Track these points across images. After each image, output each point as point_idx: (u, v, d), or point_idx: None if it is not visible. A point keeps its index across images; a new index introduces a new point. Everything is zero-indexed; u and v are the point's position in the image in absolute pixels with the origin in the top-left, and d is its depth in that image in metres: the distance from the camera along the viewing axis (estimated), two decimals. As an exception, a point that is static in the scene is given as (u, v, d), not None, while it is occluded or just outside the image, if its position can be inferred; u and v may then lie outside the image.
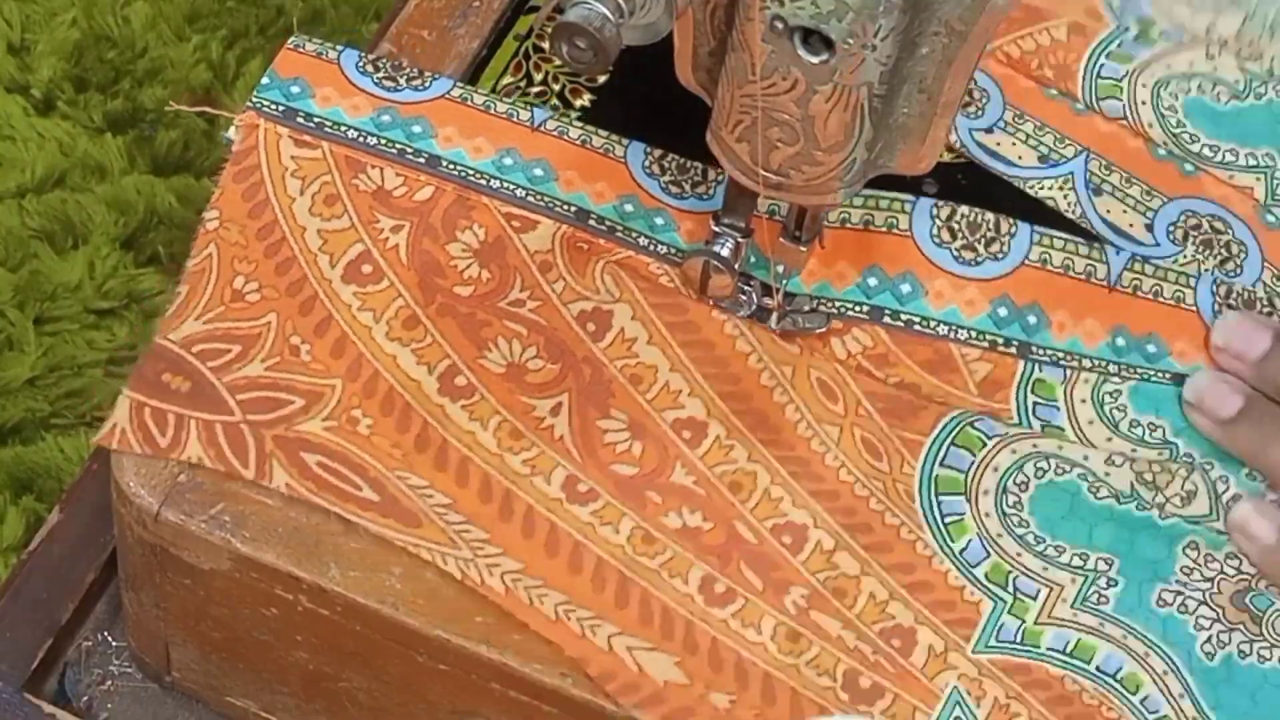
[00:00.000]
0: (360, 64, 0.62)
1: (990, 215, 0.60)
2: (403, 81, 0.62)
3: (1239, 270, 0.61)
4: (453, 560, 0.54)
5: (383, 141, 0.61)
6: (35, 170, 0.98)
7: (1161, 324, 0.59)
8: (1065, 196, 0.62)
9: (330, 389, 0.56)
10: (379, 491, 0.55)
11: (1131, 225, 0.62)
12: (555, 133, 0.61)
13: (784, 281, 0.59)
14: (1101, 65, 0.65)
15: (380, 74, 0.62)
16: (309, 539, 0.55)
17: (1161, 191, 0.63)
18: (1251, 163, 0.63)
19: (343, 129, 0.61)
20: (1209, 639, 0.55)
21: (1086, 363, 0.59)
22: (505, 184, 0.60)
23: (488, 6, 0.66)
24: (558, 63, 0.65)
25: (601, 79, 0.64)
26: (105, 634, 0.62)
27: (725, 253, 0.57)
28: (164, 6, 1.05)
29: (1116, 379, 0.59)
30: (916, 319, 0.59)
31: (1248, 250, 0.62)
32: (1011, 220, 0.60)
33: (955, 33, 0.49)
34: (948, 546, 0.55)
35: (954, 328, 0.59)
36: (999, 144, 0.63)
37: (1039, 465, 0.57)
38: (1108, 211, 0.62)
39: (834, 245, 0.60)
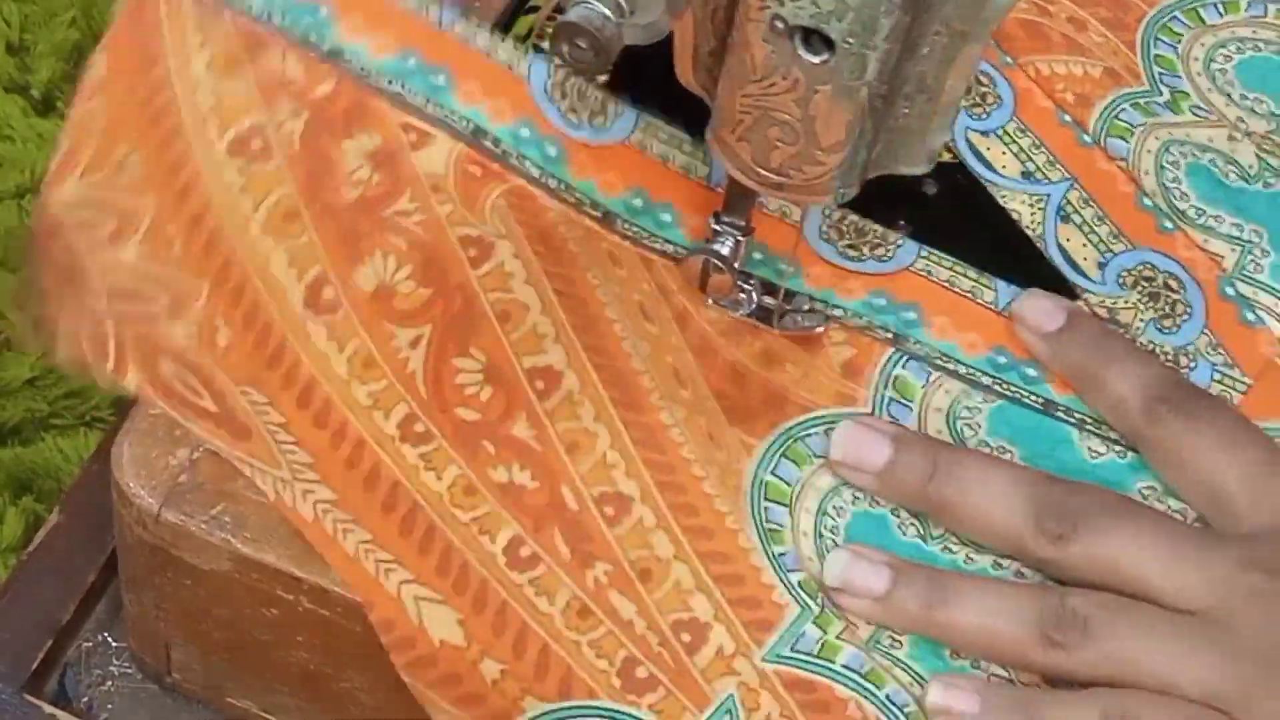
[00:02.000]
0: None
1: (879, 227, 0.60)
2: None
3: (1175, 329, 0.60)
4: (270, 478, 0.54)
5: (286, 20, 0.58)
6: (35, 170, 0.98)
7: (926, 297, 0.59)
8: (1031, 214, 0.62)
9: (197, 293, 0.55)
10: (219, 403, 0.54)
11: (1085, 260, 0.61)
12: (461, 39, 0.59)
13: (787, 281, 0.59)
14: (1122, 109, 0.65)
15: None
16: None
17: (1129, 238, 0.62)
18: (1234, 233, 0.62)
19: (246, 4, 0.58)
20: None
21: (961, 369, 0.58)
22: (405, 87, 0.58)
23: (487, 6, 0.66)
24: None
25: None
26: (105, 634, 0.62)
27: (725, 251, 0.57)
28: (164, 6, 1.05)
29: (980, 395, 0.58)
30: (795, 293, 0.59)
31: (1191, 314, 0.60)
32: (900, 237, 0.60)
33: (956, 33, 0.49)
34: (767, 545, 0.55)
35: (830, 305, 0.59)
36: (989, 148, 0.63)
37: (856, 493, 0.56)
38: (1067, 240, 0.61)
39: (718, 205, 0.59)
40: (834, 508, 0.56)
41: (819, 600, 0.54)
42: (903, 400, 0.58)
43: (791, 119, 0.50)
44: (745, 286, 0.59)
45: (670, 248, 0.59)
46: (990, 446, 0.57)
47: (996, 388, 0.58)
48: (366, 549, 0.53)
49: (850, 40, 0.48)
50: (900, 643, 0.54)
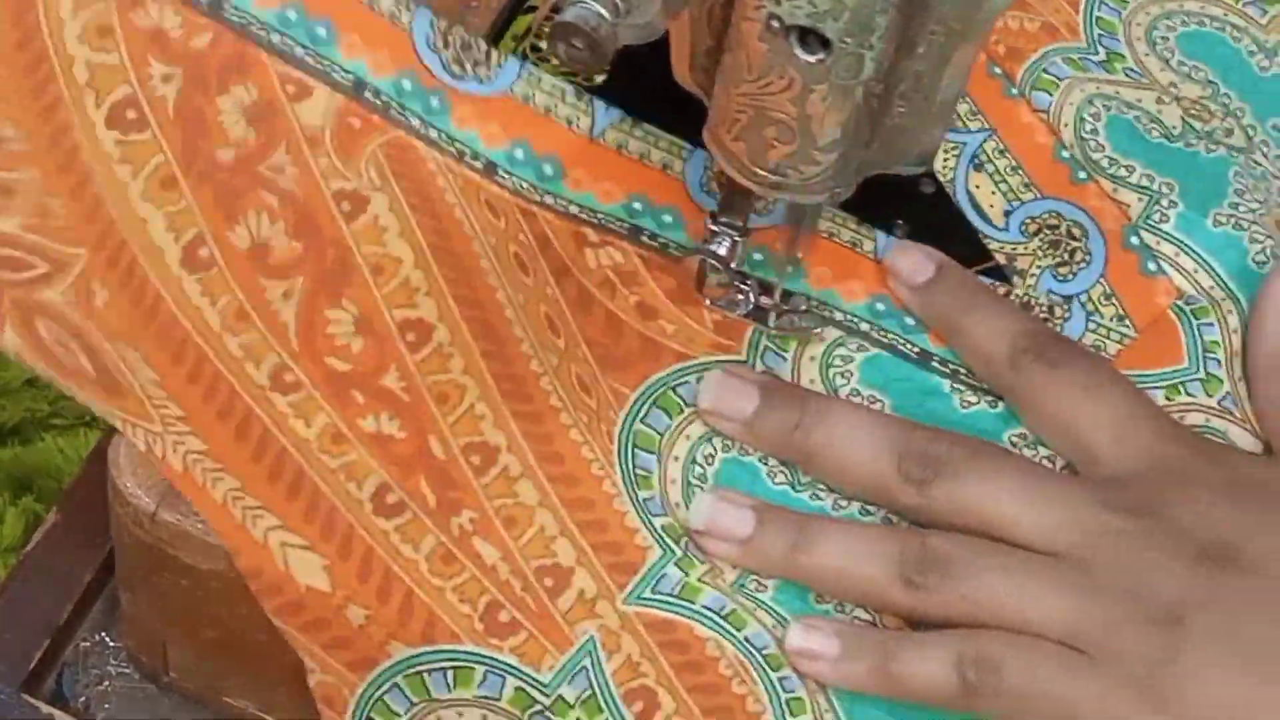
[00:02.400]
0: None
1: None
2: None
3: (1071, 276, 0.60)
4: (142, 432, 0.54)
5: None
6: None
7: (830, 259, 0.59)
8: (944, 161, 0.62)
9: (76, 258, 0.55)
10: (94, 361, 0.55)
11: (991, 207, 0.62)
12: None
13: (784, 281, 0.59)
14: (1054, 63, 0.65)
15: None
16: (306, 539, 0.55)
17: (1040, 188, 0.62)
18: (1144, 184, 0.62)
19: None
20: None
21: (838, 315, 0.59)
22: (286, 40, 0.57)
23: (486, 6, 0.66)
24: (555, 62, 0.64)
25: (599, 78, 0.64)
26: (103, 634, 0.62)
27: (722, 251, 0.57)
28: (164, 6, 1.05)
29: (854, 343, 0.59)
30: (672, 244, 0.59)
31: (1090, 262, 0.61)
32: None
33: (953, 32, 0.49)
34: (633, 491, 0.55)
35: (708, 254, 0.58)
36: None
37: (726, 441, 0.57)
38: (976, 187, 0.62)
39: (605, 164, 0.60)
40: (703, 456, 0.56)
41: (682, 544, 0.55)
42: (778, 351, 0.58)
43: (788, 118, 0.50)
44: (742, 287, 0.59)
45: (551, 200, 0.59)
46: (862, 395, 0.58)
47: (874, 334, 0.59)
48: (234, 496, 0.54)
49: (847, 40, 0.48)
50: (765, 586, 0.54)
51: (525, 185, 0.59)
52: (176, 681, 0.62)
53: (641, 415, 0.56)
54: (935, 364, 0.59)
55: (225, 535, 0.54)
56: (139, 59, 0.56)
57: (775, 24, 0.48)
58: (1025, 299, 0.60)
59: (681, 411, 0.57)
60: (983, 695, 0.52)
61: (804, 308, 0.59)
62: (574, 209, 0.59)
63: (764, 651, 0.53)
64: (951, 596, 0.53)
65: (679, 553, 0.55)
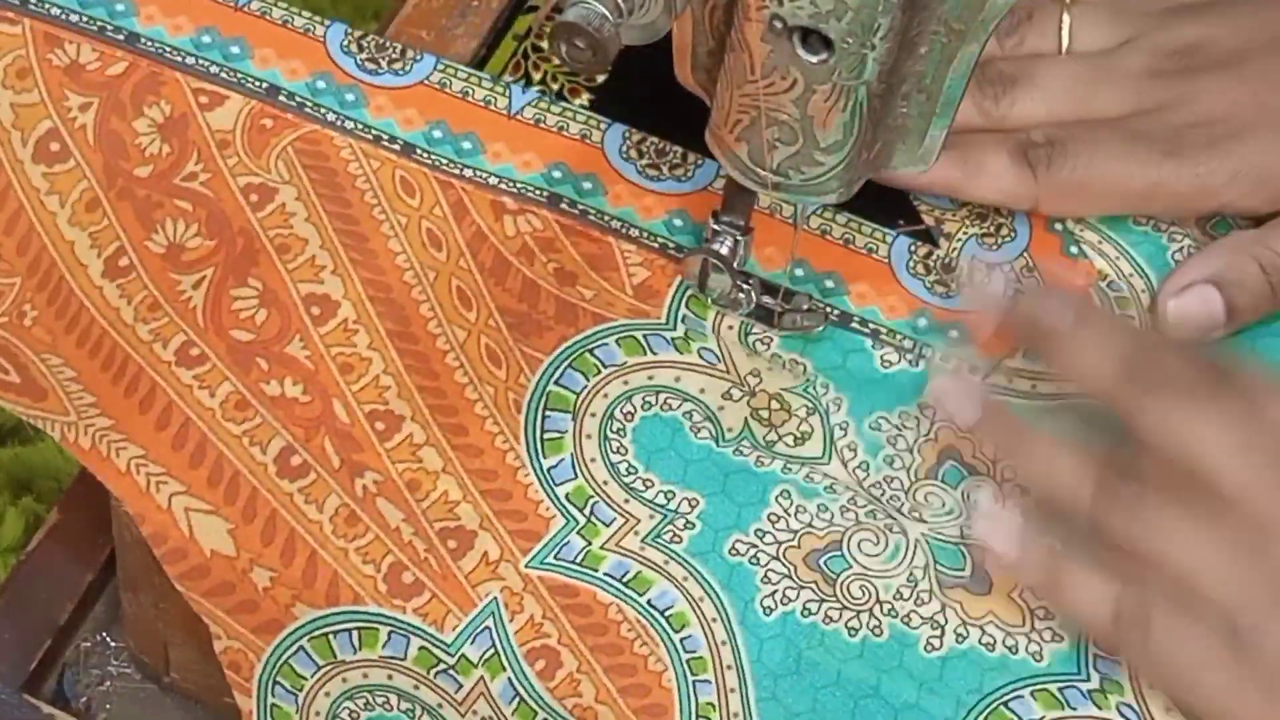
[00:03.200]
0: None
1: (679, 148, 0.61)
2: None
3: (997, 247, 0.61)
4: (58, 425, 0.56)
5: (85, 19, 0.61)
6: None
7: (845, 265, 0.59)
8: None
9: (10, 287, 0.58)
10: (22, 374, 0.57)
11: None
12: (258, 12, 0.62)
13: (786, 278, 0.59)
14: None
15: None
16: (307, 539, 0.55)
17: None
18: None
19: (45, 6, 0.61)
20: (773, 594, 0.54)
21: (755, 281, 0.59)
22: (200, 60, 0.60)
23: (486, 6, 0.66)
24: (556, 62, 0.64)
25: (600, 78, 0.64)
26: (104, 634, 0.62)
27: (724, 251, 0.57)
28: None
29: (769, 326, 0.59)
30: (591, 211, 0.60)
31: (1015, 238, 0.61)
32: (700, 158, 0.61)
33: (954, 32, 0.49)
34: (538, 462, 0.55)
35: (627, 225, 0.59)
36: None
37: (647, 399, 0.57)
38: None
39: (524, 138, 0.61)
40: (622, 413, 0.56)
41: (586, 510, 0.55)
42: (697, 315, 0.58)
43: (790, 119, 0.50)
44: (744, 286, 0.59)
45: (470, 173, 0.60)
46: (783, 358, 0.58)
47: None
48: (139, 463, 0.55)
49: (849, 40, 0.47)
50: (680, 538, 0.55)
51: (444, 161, 0.60)
52: (177, 682, 0.62)
53: (556, 377, 0.57)
54: (855, 324, 0.59)
55: (130, 501, 0.55)
56: (57, 94, 0.59)
57: (778, 24, 0.48)
58: (947, 260, 0.60)
59: (599, 373, 0.57)
60: (1126, 646, 0.52)
61: (806, 306, 0.59)
62: (493, 180, 0.60)
63: (667, 613, 0.54)
64: (1135, 525, 0.52)
65: (582, 521, 0.55)
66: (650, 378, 0.57)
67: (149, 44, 0.60)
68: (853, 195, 0.53)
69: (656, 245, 0.59)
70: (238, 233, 0.58)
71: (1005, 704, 0.53)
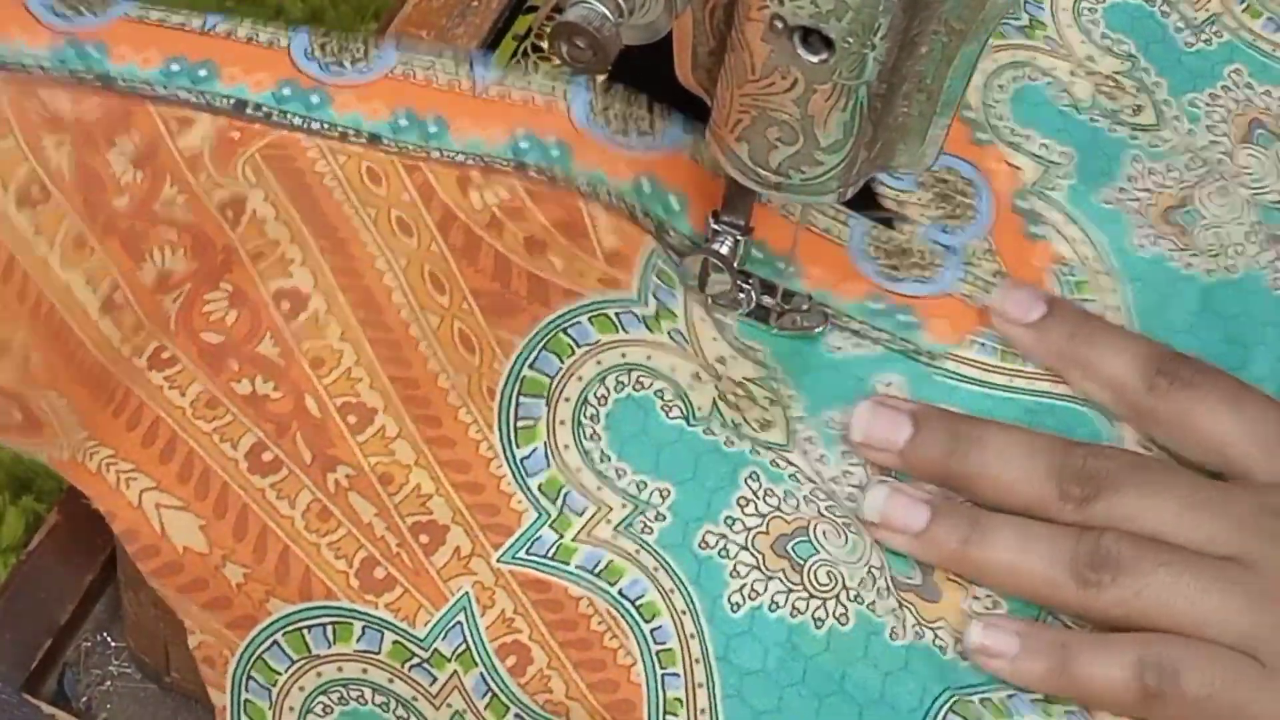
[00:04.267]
0: None
1: (645, 110, 0.61)
2: (83, 9, 0.62)
3: (960, 229, 0.61)
4: (46, 450, 0.57)
5: (57, 66, 0.61)
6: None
7: (803, 248, 0.60)
8: None
9: (14, 337, 0.58)
10: (25, 415, 0.58)
11: None
12: (224, 34, 0.62)
13: (787, 278, 0.59)
14: None
15: (64, 4, 0.62)
16: (308, 539, 0.55)
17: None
18: (1040, 152, 0.63)
19: (20, 60, 0.61)
20: (741, 588, 0.54)
21: (754, 281, 0.59)
22: (169, 89, 0.60)
23: (486, 6, 0.66)
24: (557, 62, 0.64)
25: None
26: (105, 634, 0.62)
27: (724, 250, 0.57)
28: (163, 6, 1.05)
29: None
30: (559, 175, 0.60)
31: (977, 219, 0.61)
32: (668, 111, 0.61)
33: (955, 31, 0.49)
34: (510, 452, 0.55)
35: (595, 187, 0.59)
36: None
37: (620, 379, 0.57)
38: None
39: (490, 112, 0.61)
40: (596, 396, 0.56)
41: (559, 502, 0.55)
42: (667, 287, 0.58)
43: (790, 119, 0.50)
44: (744, 286, 0.59)
45: (437, 153, 0.60)
46: (743, 343, 0.58)
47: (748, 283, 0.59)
48: (108, 462, 0.55)
49: (849, 40, 0.48)
50: (652, 529, 0.55)
51: (411, 146, 0.60)
52: (178, 682, 0.62)
53: (530, 361, 0.56)
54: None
55: (102, 500, 0.55)
56: (32, 139, 0.59)
57: (778, 24, 0.48)
58: (905, 245, 0.60)
59: (572, 353, 0.57)
60: (1162, 701, 0.51)
61: (805, 307, 0.59)
62: (460, 157, 0.60)
63: (638, 602, 0.54)
64: (1124, 595, 0.52)
65: (555, 513, 0.55)
66: (623, 355, 0.57)
67: (123, 83, 0.61)
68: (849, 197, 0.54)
69: (625, 209, 0.59)
70: (219, 250, 0.58)
71: (969, 698, 0.53)
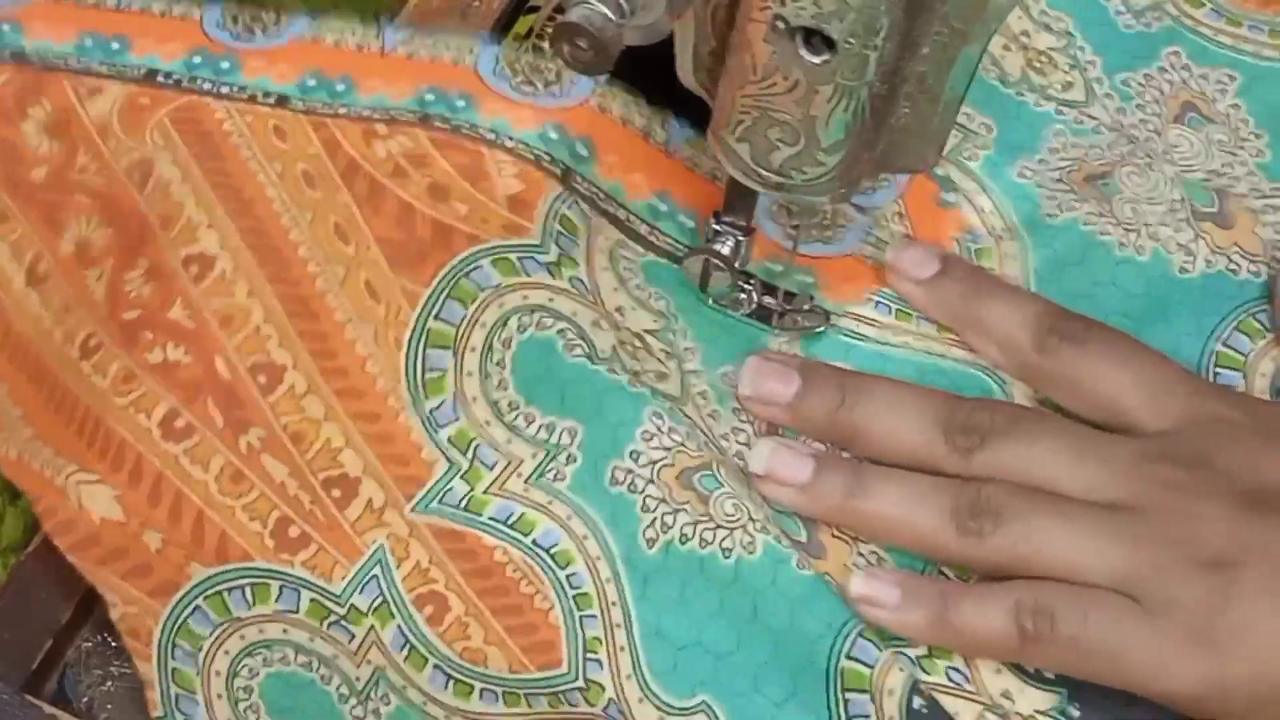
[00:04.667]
0: None
1: (556, 62, 0.61)
2: None
3: (872, 190, 0.61)
4: None
5: None
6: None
7: (708, 204, 0.60)
8: None
9: None
10: None
11: None
12: (139, 9, 0.63)
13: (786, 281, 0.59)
14: None
15: None
16: (308, 539, 0.55)
17: None
18: (962, 120, 0.63)
19: None
20: (653, 522, 0.54)
21: (621, 212, 0.60)
22: (83, 63, 0.61)
23: (487, 7, 0.66)
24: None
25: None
26: (105, 634, 0.62)
27: (726, 251, 0.57)
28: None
29: (639, 246, 0.59)
30: (464, 125, 0.60)
31: (890, 183, 0.61)
32: (575, 73, 0.60)
33: (956, 32, 0.49)
34: (420, 403, 0.56)
35: (500, 136, 0.60)
36: None
37: (523, 320, 0.57)
38: None
39: (398, 70, 0.61)
40: (500, 341, 0.56)
41: (469, 454, 0.55)
42: (570, 235, 0.59)
43: (792, 119, 0.50)
44: (745, 286, 0.59)
45: (344, 110, 0.60)
46: (647, 291, 0.58)
47: (652, 238, 0.60)
48: (33, 448, 0.56)
49: (851, 40, 0.48)
50: (565, 475, 0.55)
51: (319, 105, 0.61)
52: (179, 682, 0.62)
53: (436, 311, 0.57)
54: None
55: (22, 482, 0.57)
56: None
57: (780, 25, 0.48)
58: (811, 207, 0.60)
59: (476, 299, 0.57)
60: (1040, 644, 0.52)
61: (807, 307, 0.59)
62: (366, 113, 0.60)
63: (552, 550, 0.54)
64: (1004, 543, 0.53)
65: (465, 466, 0.55)
66: (525, 297, 0.57)
67: (35, 59, 0.62)
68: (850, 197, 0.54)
69: (531, 157, 0.59)
70: (129, 215, 0.58)
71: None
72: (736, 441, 0.57)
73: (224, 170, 0.59)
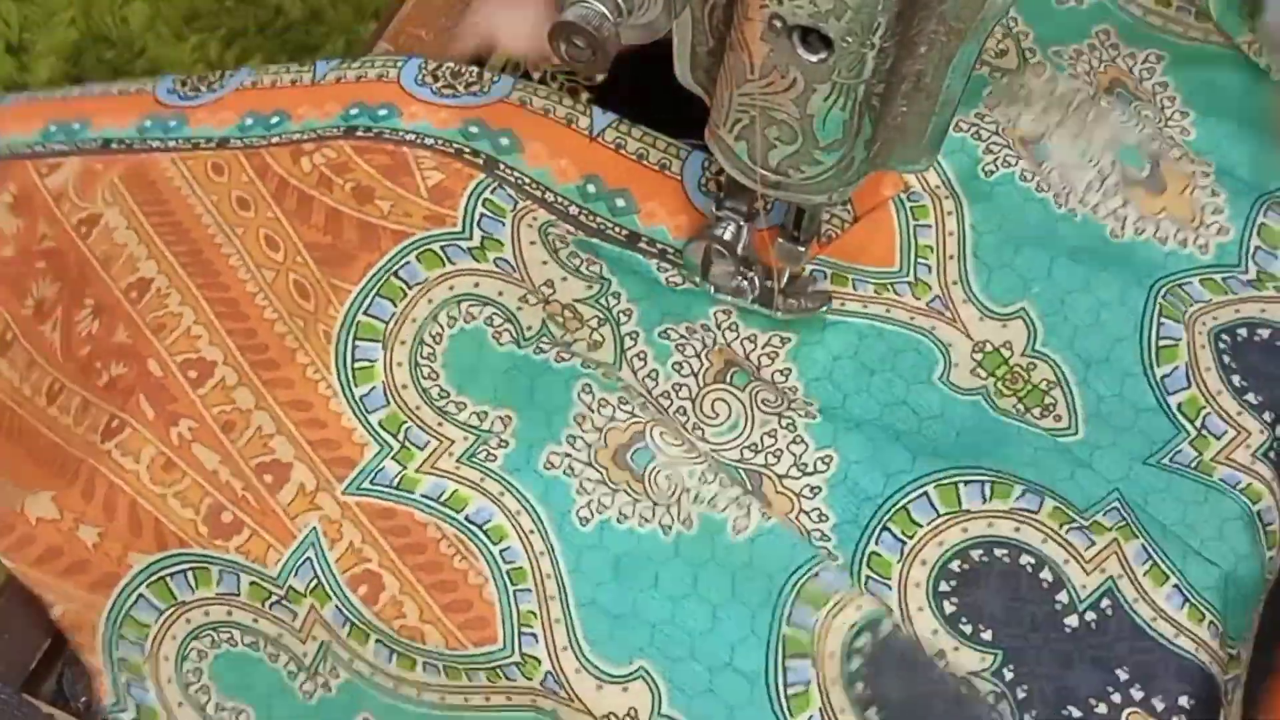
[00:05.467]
0: None
1: (475, 68, 0.62)
2: None
3: None
4: None
5: None
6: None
7: (637, 183, 0.60)
8: None
9: None
10: None
11: None
12: (98, 94, 0.65)
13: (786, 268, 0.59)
14: None
15: None
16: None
17: None
18: None
19: None
20: (588, 504, 0.55)
21: (549, 196, 0.60)
22: (46, 145, 0.64)
23: (486, 5, 0.66)
24: (556, 62, 0.64)
25: (600, 78, 0.64)
26: (104, 634, 0.62)
27: (727, 237, 0.57)
28: (163, 6, 1.05)
29: (566, 226, 0.60)
30: (386, 130, 0.61)
31: None
32: (496, 73, 0.62)
33: (953, 31, 0.49)
34: (349, 390, 0.57)
35: (421, 136, 0.61)
36: None
37: (451, 314, 0.58)
38: None
39: (326, 95, 0.63)
40: (430, 335, 0.57)
41: (400, 436, 0.56)
42: (495, 218, 0.59)
43: (789, 118, 0.50)
44: (747, 273, 0.59)
45: (278, 138, 0.62)
46: (581, 257, 0.60)
47: (583, 219, 0.60)
48: None
49: (848, 39, 0.48)
50: (495, 456, 0.56)
51: (255, 139, 0.62)
52: (178, 681, 0.62)
53: (365, 307, 0.58)
54: (643, 244, 0.60)
55: None
56: None
57: (777, 24, 0.48)
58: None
59: (404, 295, 0.58)
60: None
61: (809, 289, 0.59)
62: (296, 136, 0.61)
63: (485, 526, 0.55)
64: None
65: (396, 446, 0.56)
66: (451, 288, 0.58)
67: (5, 150, 0.64)
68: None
69: (452, 151, 0.60)
70: (73, 264, 0.60)
71: (815, 576, 0.54)
72: (677, 398, 0.57)
73: (166, 210, 0.61)
